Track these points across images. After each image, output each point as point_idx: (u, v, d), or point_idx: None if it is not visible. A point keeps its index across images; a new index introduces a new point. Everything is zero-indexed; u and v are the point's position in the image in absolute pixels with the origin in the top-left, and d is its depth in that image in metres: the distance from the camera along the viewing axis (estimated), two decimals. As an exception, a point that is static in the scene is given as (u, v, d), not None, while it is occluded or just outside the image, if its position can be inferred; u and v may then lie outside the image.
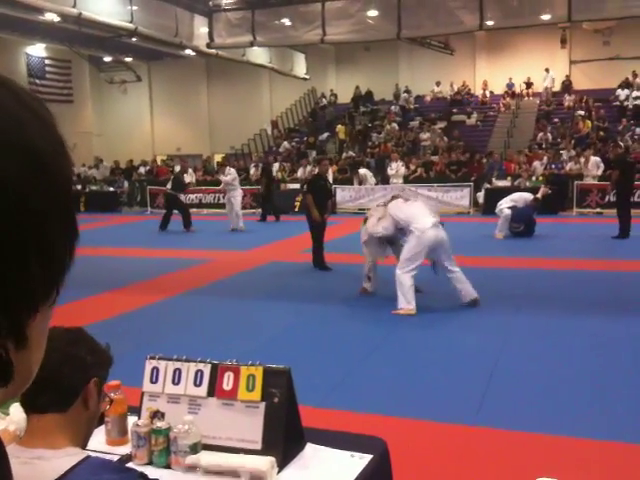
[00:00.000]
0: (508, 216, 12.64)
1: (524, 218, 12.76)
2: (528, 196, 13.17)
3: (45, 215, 0.48)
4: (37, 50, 26.18)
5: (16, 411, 1.79)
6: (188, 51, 21.39)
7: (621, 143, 17.58)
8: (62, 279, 0.52)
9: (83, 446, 1.41)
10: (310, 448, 2.09)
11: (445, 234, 6.88)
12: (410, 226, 6.83)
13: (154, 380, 2.17)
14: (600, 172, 17.55)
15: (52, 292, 0.51)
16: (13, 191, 0.45)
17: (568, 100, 24.26)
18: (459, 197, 18.14)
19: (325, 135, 25.47)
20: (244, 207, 20.31)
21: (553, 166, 18.99)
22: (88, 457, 1.30)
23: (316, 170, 12.17)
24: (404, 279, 6.73)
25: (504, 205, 12.82)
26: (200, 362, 2.16)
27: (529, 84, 25.55)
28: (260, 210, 17.70)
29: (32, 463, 1.26)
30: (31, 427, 1.36)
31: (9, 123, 0.46)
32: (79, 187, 22.91)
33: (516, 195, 13.27)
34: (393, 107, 26.10)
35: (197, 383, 2.13)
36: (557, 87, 25.48)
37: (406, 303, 6.71)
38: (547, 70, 24.91)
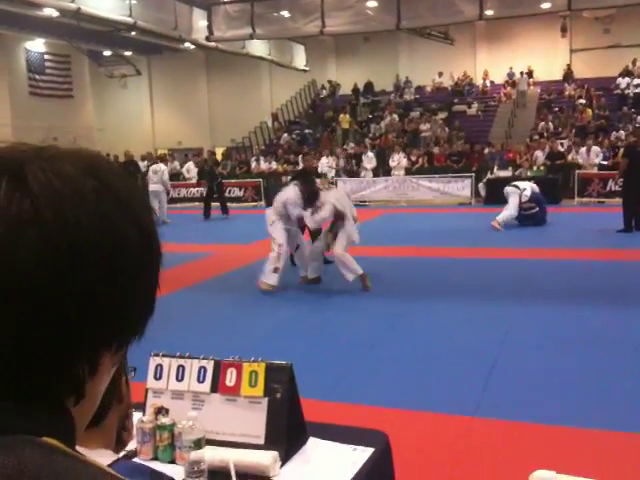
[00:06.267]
0: (526, 197, 12.68)
1: (539, 201, 12.87)
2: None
3: (136, 277, 0.62)
4: (36, 45, 26.14)
5: None
6: (187, 44, 21.36)
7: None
8: (134, 332, 0.63)
9: (114, 449, 1.22)
10: (312, 442, 2.12)
11: None
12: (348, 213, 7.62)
13: (158, 377, 2.20)
14: (598, 161, 17.53)
15: (125, 339, 0.62)
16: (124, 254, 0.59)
17: (569, 89, 24.21)
18: (460, 188, 18.13)
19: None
20: (245, 200, 20.46)
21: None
22: (118, 460, 1.22)
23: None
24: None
25: (525, 189, 12.80)
26: (203, 359, 2.18)
27: (530, 73, 25.47)
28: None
29: None
30: None
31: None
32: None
33: (525, 183, 13.38)
34: (393, 97, 26.04)
35: (200, 379, 2.16)
36: (558, 76, 25.43)
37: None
38: (522, 73, 24.94)
